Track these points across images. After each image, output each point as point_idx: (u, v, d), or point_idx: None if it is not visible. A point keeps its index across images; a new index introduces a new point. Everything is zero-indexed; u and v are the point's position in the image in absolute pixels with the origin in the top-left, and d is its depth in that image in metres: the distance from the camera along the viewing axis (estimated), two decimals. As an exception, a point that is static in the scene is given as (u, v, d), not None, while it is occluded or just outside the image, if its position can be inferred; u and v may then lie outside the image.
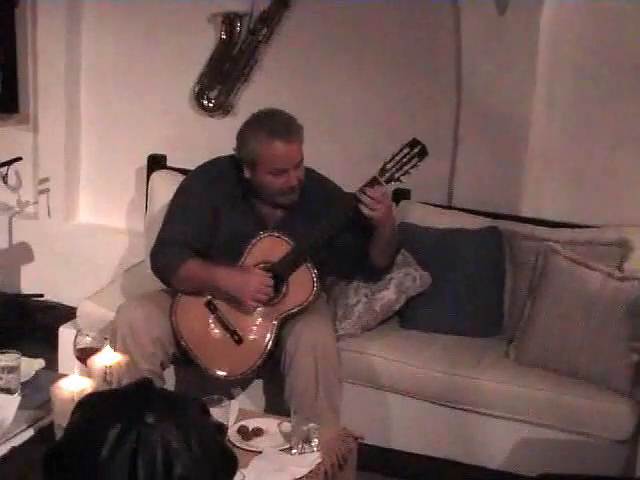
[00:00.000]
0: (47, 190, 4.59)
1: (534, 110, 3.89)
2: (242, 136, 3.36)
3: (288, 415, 2.81)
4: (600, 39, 3.82)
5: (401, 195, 3.97)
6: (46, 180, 4.59)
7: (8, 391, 2.73)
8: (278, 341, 3.29)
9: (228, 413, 2.70)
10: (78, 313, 3.82)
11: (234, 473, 1.46)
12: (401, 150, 3.29)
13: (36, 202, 4.66)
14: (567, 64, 3.87)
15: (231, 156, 3.43)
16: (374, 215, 3.25)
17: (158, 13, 4.39)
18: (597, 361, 3.38)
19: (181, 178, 3.74)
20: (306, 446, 2.66)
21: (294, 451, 2.67)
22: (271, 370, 3.34)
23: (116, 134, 4.58)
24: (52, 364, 3.45)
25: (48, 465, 1.40)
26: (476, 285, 3.71)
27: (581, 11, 3.81)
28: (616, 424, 3.29)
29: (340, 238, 3.35)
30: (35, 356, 3.01)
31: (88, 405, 1.43)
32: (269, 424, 2.81)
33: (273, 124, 3.30)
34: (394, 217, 3.47)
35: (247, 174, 3.36)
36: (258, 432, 2.76)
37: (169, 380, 3.50)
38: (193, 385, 3.46)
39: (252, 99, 4.24)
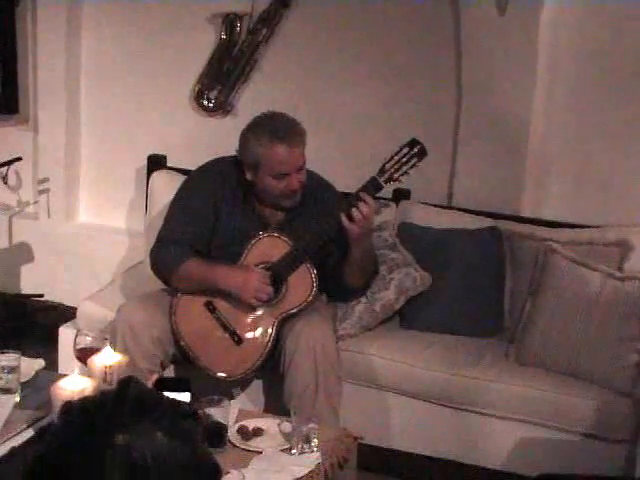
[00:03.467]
0: (47, 190, 4.59)
1: (534, 110, 3.89)
2: (244, 139, 3.35)
3: (288, 415, 2.81)
4: (600, 39, 3.82)
5: (401, 195, 3.96)
6: (46, 180, 4.59)
7: (8, 391, 2.73)
8: (278, 341, 3.29)
9: (228, 413, 2.71)
10: (78, 313, 3.82)
11: None
12: (400, 150, 3.29)
13: (36, 202, 4.66)
14: (567, 64, 3.87)
15: (234, 156, 3.43)
16: (352, 230, 3.23)
17: (158, 13, 4.39)
18: (597, 361, 3.38)
19: (181, 178, 3.74)
20: (306, 446, 2.66)
21: (294, 451, 2.67)
22: (271, 370, 3.34)
23: (116, 134, 4.58)
24: (52, 364, 3.45)
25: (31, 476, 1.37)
26: (476, 285, 3.71)
27: (581, 11, 3.81)
28: (616, 424, 3.29)
29: (325, 247, 3.34)
30: (35, 356, 3.01)
31: (63, 419, 1.40)
32: (269, 424, 2.81)
33: (276, 128, 3.29)
34: (372, 242, 3.43)
35: (249, 176, 3.36)
36: (258, 432, 2.76)
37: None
38: (193, 385, 3.46)
39: (252, 99, 4.24)
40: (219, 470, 1.42)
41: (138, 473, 1.32)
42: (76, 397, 2.42)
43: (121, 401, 1.37)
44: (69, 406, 1.41)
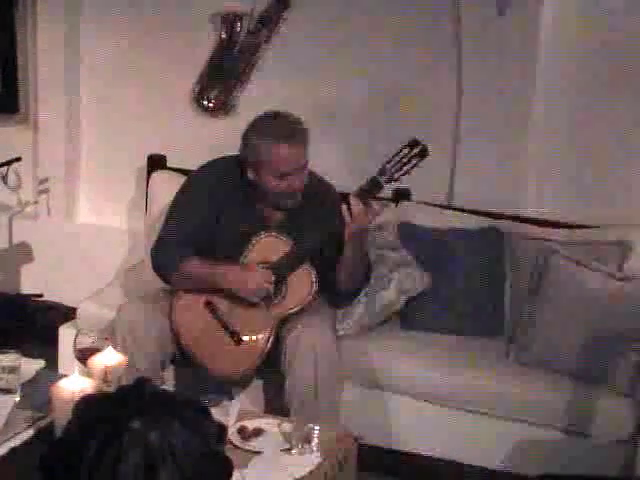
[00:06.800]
0: (47, 190, 4.59)
1: (534, 110, 3.90)
2: (247, 138, 3.34)
3: (288, 415, 2.81)
4: (600, 39, 3.82)
5: (401, 195, 3.96)
6: (46, 180, 4.59)
7: (8, 391, 2.73)
8: (278, 341, 3.29)
9: (228, 413, 2.70)
10: (78, 313, 3.82)
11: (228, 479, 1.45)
12: (401, 150, 3.28)
13: (36, 202, 4.66)
14: (567, 64, 3.87)
15: (234, 156, 3.42)
16: (347, 227, 3.22)
17: (158, 13, 4.39)
18: (597, 361, 3.38)
19: (181, 178, 3.74)
20: (306, 446, 2.66)
21: (294, 451, 2.67)
22: (271, 370, 3.34)
23: (116, 134, 4.58)
24: (52, 364, 3.45)
25: (45, 467, 1.40)
26: (476, 285, 3.71)
27: (581, 11, 3.81)
28: (616, 424, 3.29)
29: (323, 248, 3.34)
30: (35, 356, 3.01)
31: (82, 407, 1.43)
32: (269, 424, 2.81)
33: (278, 127, 3.28)
34: (366, 248, 3.41)
35: (250, 176, 3.35)
36: (258, 432, 2.76)
37: (169, 380, 3.49)
38: (193, 385, 3.46)
39: (252, 99, 4.24)
40: (231, 463, 1.44)
41: (153, 457, 1.35)
42: (76, 397, 2.43)
43: (139, 393, 1.40)
44: (88, 397, 1.44)
